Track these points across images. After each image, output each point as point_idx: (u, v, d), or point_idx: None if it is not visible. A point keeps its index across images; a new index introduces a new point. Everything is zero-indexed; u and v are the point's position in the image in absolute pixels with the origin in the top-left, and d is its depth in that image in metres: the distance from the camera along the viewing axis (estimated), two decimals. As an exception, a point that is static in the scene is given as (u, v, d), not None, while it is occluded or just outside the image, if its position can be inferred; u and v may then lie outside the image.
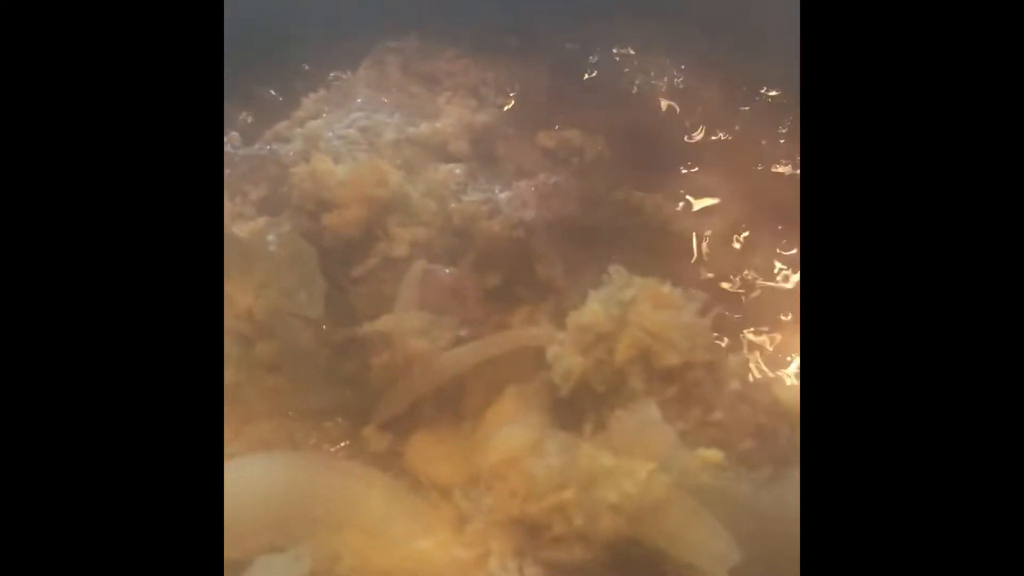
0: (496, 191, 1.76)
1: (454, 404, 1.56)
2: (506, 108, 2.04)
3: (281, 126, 1.94)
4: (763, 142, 1.94)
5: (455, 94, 2.01)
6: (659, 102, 2.02)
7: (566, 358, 1.43)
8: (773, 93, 2.02)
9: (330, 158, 1.70)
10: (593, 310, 1.42)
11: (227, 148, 1.84)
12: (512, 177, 1.81)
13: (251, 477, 1.42)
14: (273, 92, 2.07)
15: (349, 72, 2.04)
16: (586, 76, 2.08)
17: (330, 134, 1.80)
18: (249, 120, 1.98)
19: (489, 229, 1.61)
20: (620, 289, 1.44)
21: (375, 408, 1.55)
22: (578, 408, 1.45)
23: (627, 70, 2.07)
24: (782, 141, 1.95)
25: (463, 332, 1.57)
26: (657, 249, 1.74)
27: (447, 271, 1.63)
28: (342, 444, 1.56)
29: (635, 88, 2.03)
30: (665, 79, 2.07)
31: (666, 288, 1.41)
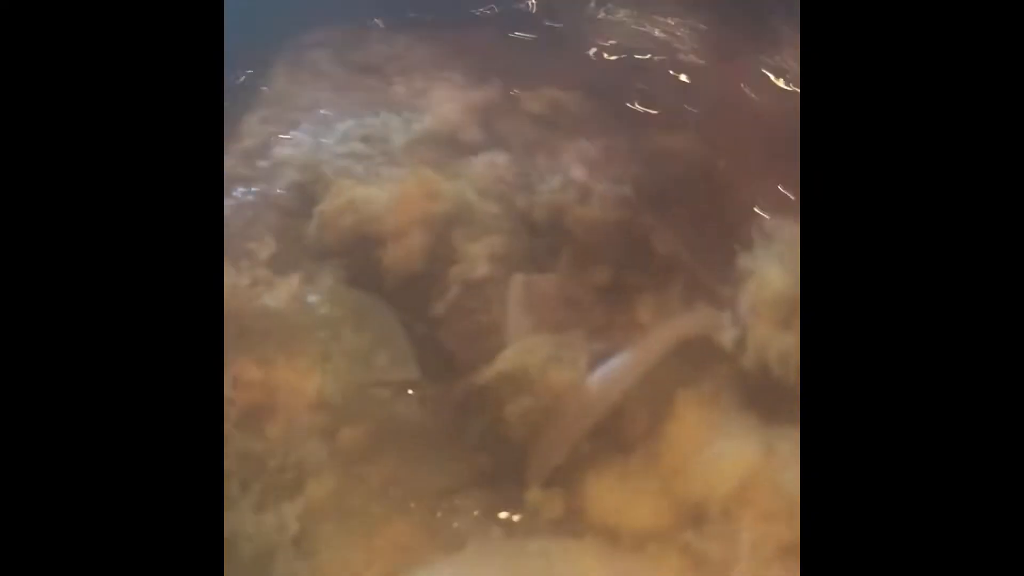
0: (535, 174, 1.47)
1: (612, 434, 1.27)
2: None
3: (231, 163, 1.56)
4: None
5: (408, 78, 1.69)
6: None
7: (755, 339, 1.18)
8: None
9: (354, 182, 1.36)
10: (772, 275, 1.18)
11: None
12: (527, 155, 1.52)
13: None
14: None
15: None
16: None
17: (328, 155, 1.45)
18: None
19: (586, 216, 1.32)
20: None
21: (528, 465, 1.25)
22: (782, 396, 1.20)
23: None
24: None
25: (596, 346, 1.29)
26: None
27: (547, 278, 1.34)
28: (505, 515, 1.24)
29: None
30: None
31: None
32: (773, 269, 1.20)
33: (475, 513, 1.26)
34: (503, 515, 1.25)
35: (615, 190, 1.34)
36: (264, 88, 1.69)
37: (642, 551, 1.18)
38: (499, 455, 1.28)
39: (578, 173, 1.38)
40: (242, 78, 1.72)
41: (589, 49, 1.72)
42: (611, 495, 1.24)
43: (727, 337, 1.23)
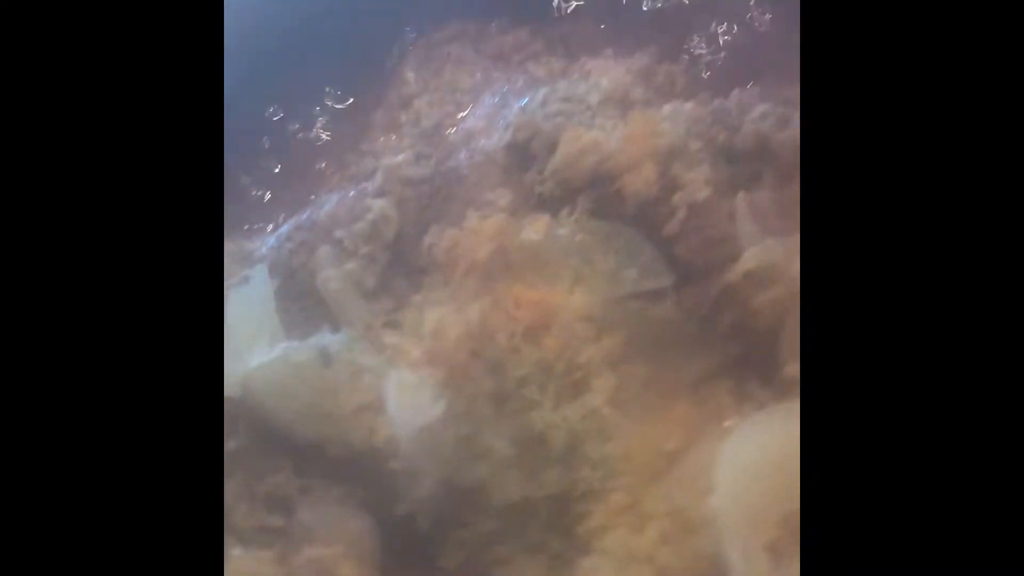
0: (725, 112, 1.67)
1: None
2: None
3: (410, 142, 1.76)
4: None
5: (539, 62, 1.90)
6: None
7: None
8: None
9: (584, 129, 1.56)
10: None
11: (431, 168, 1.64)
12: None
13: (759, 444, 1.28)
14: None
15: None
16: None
17: (538, 116, 1.65)
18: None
19: (788, 140, 1.55)
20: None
21: (782, 347, 1.45)
22: None
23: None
24: None
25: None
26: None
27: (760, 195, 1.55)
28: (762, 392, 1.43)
29: None
30: None
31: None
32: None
33: (734, 392, 1.45)
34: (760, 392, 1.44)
35: (795, 121, 1.56)
36: (410, 74, 1.87)
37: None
38: (749, 343, 1.48)
39: (767, 107, 1.60)
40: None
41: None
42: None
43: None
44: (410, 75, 1.93)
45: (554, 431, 1.37)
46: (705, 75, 1.81)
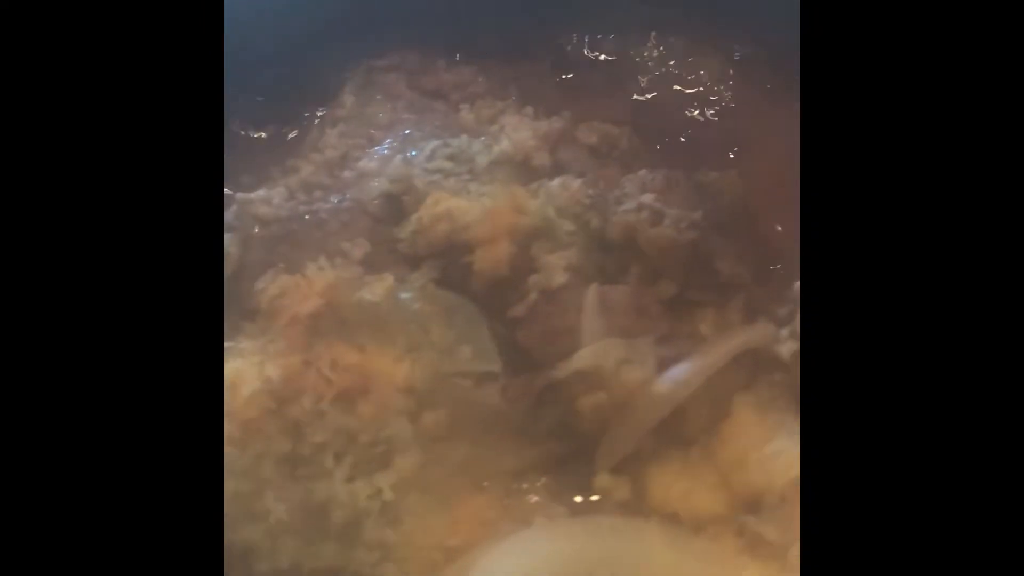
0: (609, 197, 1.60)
1: (675, 430, 1.40)
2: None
3: (311, 171, 1.70)
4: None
5: (473, 105, 1.83)
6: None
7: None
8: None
9: (449, 194, 1.50)
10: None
11: (295, 207, 1.59)
12: (594, 181, 1.65)
13: (515, 566, 1.21)
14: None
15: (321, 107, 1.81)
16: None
17: (418, 169, 1.59)
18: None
19: (659, 236, 1.46)
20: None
21: (597, 454, 1.37)
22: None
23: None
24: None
25: (663, 351, 1.42)
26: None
27: (618, 289, 1.47)
28: (575, 498, 1.36)
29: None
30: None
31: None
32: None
33: (545, 494, 1.38)
34: (574, 497, 1.37)
35: (686, 215, 1.48)
36: (340, 107, 1.83)
37: (702, 532, 1.30)
38: (569, 443, 1.40)
39: (648, 198, 1.52)
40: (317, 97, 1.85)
41: (631, 87, 1.87)
42: (673, 484, 1.36)
43: (784, 350, 1.36)
44: (349, 99, 1.87)
45: (335, 505, 1.31)
46: (614, 153, 1.73)
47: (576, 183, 1.58)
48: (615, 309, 1.45)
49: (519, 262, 1.48)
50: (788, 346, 1.36)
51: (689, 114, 1.82)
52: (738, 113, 1.79)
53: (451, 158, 1.62)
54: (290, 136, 1.80)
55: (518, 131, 1.70)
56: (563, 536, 1.27)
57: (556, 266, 1.47)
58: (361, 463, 1.36)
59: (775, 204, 1.60)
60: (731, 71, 1.82)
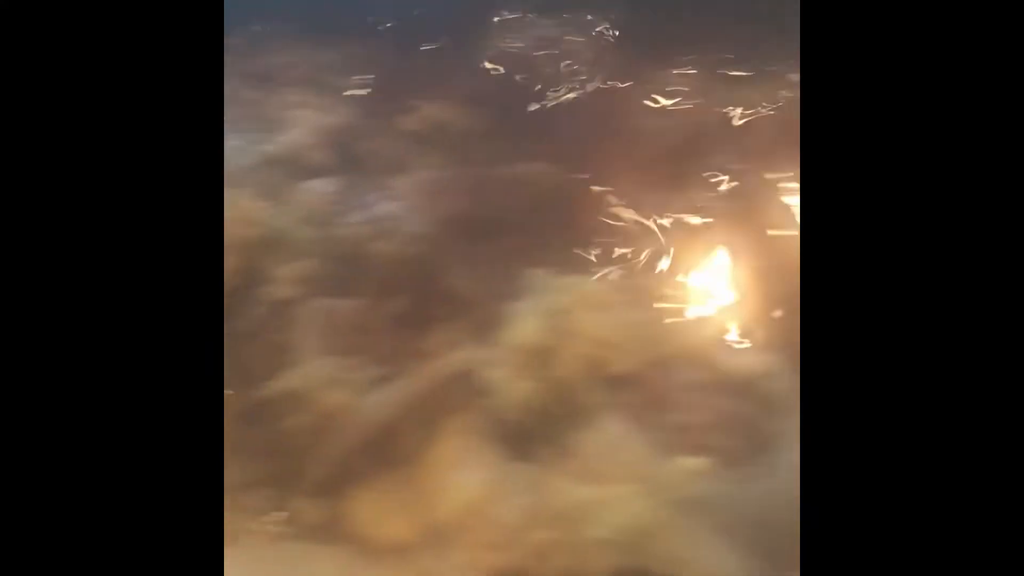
0: (372, 200, 1.58)
1: (385, 452, 1.39)
2: (358, 95, 1.84)
3: None
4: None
5: (296, 89, 1.80)
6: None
7: (508, 381, 1.29)
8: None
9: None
10: (527, 326, 1.29)
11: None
12: (383, 177, 1.63)
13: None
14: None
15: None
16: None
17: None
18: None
19: (383, 251, 1.44)
20: (550, 296, 1.31)
21: (298, 476, 1.37)
22: (531, 435, 1.31)
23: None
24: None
25: (379, 371, 1.40)
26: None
27: (345, 305, 1.45)
28: (271, 518, 1.36)
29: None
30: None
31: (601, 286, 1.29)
32: (528, 321, 1.31)
33: (244, 514, 1.38)
34: (269, 518, 1.37)
35: (420, 228, 1.45)
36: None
37: (381, 562, 1.30)
38: (273, 464, 1.40)
39: (391, 207, 1.49)
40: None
41: (479, 63, 1.82)
42: (371, 508, 1.35)
43: (493, 375, 1.34)
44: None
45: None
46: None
47: (332, 187, 1.56)
48: (337, 325, 1.43)
49: (253, 274, 1.46)
50: (493, 373, 1.33)
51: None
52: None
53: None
54: None
55: (298, 125, 1.68)
56: (256, 560, 1.27)
57: (284, 278, 1.45)
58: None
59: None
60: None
